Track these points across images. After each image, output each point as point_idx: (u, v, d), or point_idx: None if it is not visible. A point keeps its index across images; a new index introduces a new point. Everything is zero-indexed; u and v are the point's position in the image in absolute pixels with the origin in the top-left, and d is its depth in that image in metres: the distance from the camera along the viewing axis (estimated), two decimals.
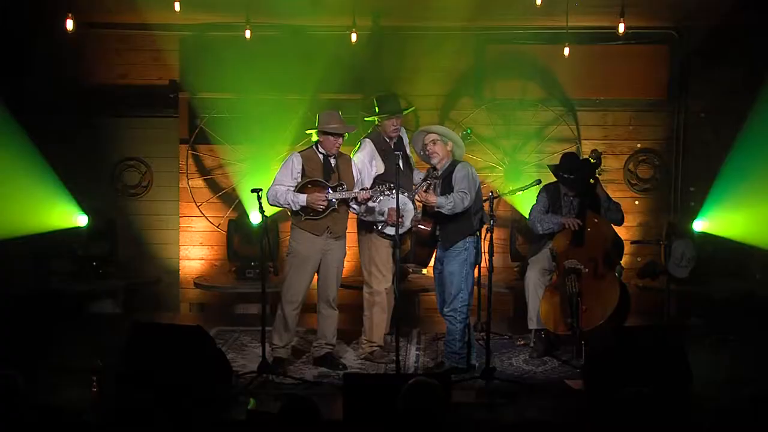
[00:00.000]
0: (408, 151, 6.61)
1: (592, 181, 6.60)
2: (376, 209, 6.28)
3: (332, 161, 6.24)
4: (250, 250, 8.15)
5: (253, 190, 5.98)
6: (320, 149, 6.22)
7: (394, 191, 5.96)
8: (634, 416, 3.77)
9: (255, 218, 8.22)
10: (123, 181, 8.63)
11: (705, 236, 7.74)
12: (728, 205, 7.63)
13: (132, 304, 8.34)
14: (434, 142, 6.14)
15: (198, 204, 8.47)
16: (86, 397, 5.32)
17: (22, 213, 7.54)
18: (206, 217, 8.50)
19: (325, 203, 6.10)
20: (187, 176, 8.50)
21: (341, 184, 6.17)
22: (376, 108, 6.49)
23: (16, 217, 7.47)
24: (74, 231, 8.11)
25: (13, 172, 7.48)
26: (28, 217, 7.63)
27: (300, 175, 6.17)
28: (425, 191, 6.07)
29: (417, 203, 6.25)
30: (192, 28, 8.32)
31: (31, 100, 7.83)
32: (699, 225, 7.83)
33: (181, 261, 8.63)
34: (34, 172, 7.64)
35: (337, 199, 6.13)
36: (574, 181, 6.59)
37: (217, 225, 8.50)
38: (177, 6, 6.48)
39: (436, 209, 6.02)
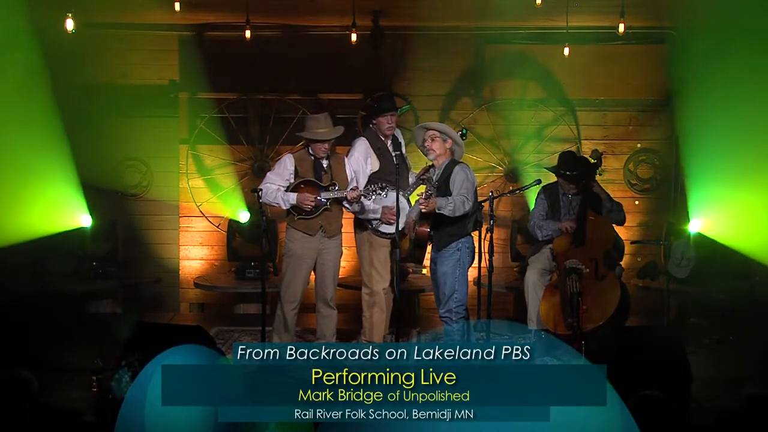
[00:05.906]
0: (404, 151, 6.61)
1: (592, 183, 6.60)
2: (371, 207, 6.30)
3: (324, 162, 6.26)
4: (250, 250, 8.16)
5: (253, 190, 6.02)
6: (311, 151, 6.26)
7: (386, 190, 5.97)
8: (635, 417, 3.77)
9: (243, 217, 8.25)
10: (123, 181, 8.63)
11: (701, 237, 7.74)
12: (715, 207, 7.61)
13: (132, 304, 8.34)
14: (433, 138, 6.14)
15: (198, 204, 8.48)
16: (86, 397, 5.33)
17: (28, 216, 7.50)
18: (206, 217, 8.51)
19: (313, 204, 6.13)
20: (187, 176, 8.50)
21: (333, 184, 6.20)
22: (371, 106, 6.52)
23: (23, 221, 7.45)
24: (76, 231, 8.10)
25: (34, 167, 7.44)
26: (33, 221, 7.59)
27: (292, 175, 6.21)
28: (425, 199, 6.05)
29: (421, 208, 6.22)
30: (192, 27, 8.33)
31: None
32: (695, 225, 7.83)
33: (181, 261, 8.63)
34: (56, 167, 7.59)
35: (328, 199, 6.16)
36: (577, 177, 6.57)
37: (217, 225, 8.51)
38: (177, 6, 6.49)
39: (437, 211, 6.00)
